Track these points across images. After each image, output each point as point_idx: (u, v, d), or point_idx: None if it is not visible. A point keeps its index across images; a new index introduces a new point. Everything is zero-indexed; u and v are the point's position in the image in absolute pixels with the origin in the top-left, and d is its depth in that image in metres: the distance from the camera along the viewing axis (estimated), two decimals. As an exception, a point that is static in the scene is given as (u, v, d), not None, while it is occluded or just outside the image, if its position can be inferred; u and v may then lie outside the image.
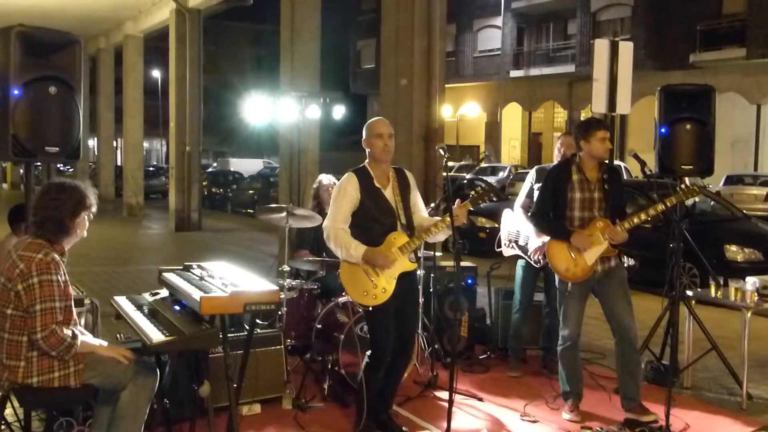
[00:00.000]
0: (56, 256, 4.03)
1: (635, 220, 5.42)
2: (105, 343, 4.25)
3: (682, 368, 6.42)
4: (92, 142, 38.83)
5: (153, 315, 4.34)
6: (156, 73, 43.74)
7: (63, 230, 4.07)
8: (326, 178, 7.32)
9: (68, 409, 4.97)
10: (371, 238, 5.03)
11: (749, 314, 6.13)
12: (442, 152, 5.02)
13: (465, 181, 17.49)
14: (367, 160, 5.23)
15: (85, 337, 4.14)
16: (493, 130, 37.71)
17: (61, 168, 35.96)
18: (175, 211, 20.16)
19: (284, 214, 6.43)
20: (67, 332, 3.94)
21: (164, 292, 4.72)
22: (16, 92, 4.82)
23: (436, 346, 6.75)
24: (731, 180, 23.41)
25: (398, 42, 10.32)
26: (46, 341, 3.87)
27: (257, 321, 4.80)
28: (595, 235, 5.47)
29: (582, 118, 32.56)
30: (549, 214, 5.66)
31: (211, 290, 4.15)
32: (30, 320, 3.89)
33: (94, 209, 4.22)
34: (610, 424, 5.55)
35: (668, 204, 5.36)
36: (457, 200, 5.04)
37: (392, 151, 5.20)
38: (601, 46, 9.00)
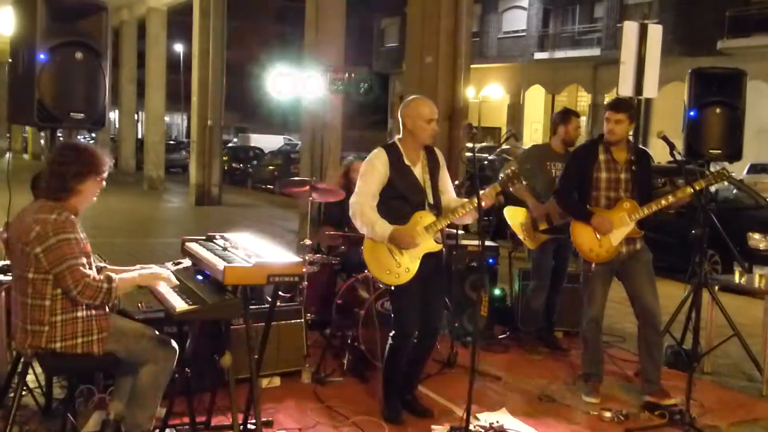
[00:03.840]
0: (70, 215, 3.98)
1: (663, 202, 5.36)
2: (144, 272, 4.24)
3: (702, 354, 6.37)
4: (113, 115, 38.94)
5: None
6: (178, 47, 43.73)
7: (65, 189, 3.99)
8: (357, 158, 7.23)
9: (89, 377, 5.00)
10: (397, 216, 4.96)
11: (773, 301, 6.09)
12: (471, 130, 4.95)
13: (486, 162, 17.37)
14: (398, 137, 5.15)
15: (122, 275, 4.13)
16: (515, 112, 37.47)
17: (81, 138, 36.18)
18: (195, 186, 20.19)
19: (307, 187, 6.41)
20: (100, 279, 3.94)
21: (187, 262, 4.70)
22: (42, 57, 4.80)
23: (456, 325, 6.75)
24: (755, 169, 23.19)
25: (424, 20, 10.25)
26: (83, 295, 3.87)
27: (279, 294, 4.77)
28: (621, 216, 5.42)
29: (605, 103, 32.45)
30: (572, 193, 5.61)
31: (235, 260, 4.12)
32: (61, 281, 3.88)
33: (104, 175, 4.13)
34: (630, 407, 5.53)
35: (696, 188, 5.30)
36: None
37: None
38: (630, 29, 8.88)
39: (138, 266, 4.35)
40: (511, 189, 5.22)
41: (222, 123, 20.55)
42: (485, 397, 5.70)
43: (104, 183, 4.19)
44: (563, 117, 6.80)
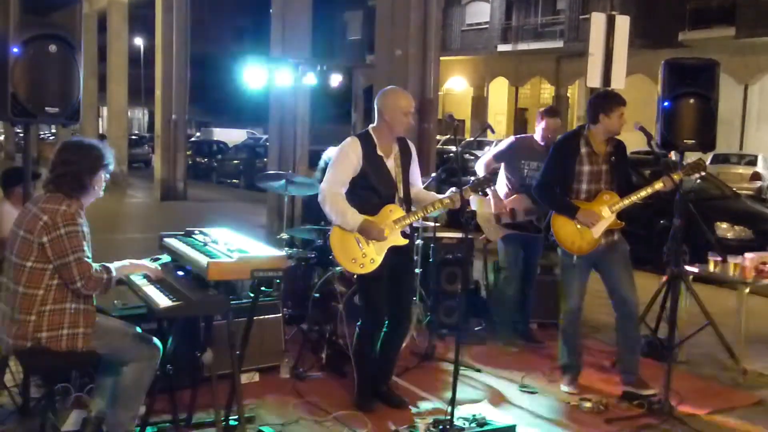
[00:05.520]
0: (78, 208, 3.99)
1: (642, 193, 5.41)
2: (129, 263, 4.25)
3: (678, 343, 6.42)
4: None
5: (156, 280, 4.26)
6: (138, 41, 43.13)
7: (81, 185, 4.01)
8: None
9: (66, 376, 4.91)
10: (367, 208, 5.00)
11: (747, 290, 6.16)
12: (453, 122, 4.96)
13: (452, 155, 17.44)
14: (372, 126, 5.16)
15: (115, 264, 4.13)
16: (479, 104, 37.59)
17: (42, 135, 35.59)
18: (160, 180, 20.00)
19: (283, 181, 6.36)
20: (100, 270, 3.96)
21: (165, 258, 4.64)
22: (15, 50, 4.68)
23: (433, 318, 6.75)
24: (718, 159, 23.52)
25: (394, 12, 10.18)
26: (86, 287, 3.89)
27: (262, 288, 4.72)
28: (602, 208, 5.45)
29: (568, 95, 32.60)
30: (554, 187, 5.61)
31: (217, 256, 4.07)
32: (65, 272, 3.86)
33: (111, 167, 4.17)
34: (609, 397, 5.56)
35: (675, 178, 5.35)
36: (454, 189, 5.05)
37: None
38: (598, 20, 8.94)
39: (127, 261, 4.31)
40: (480, 193, 5.22)
41: (186, 117, 20.35)
42: (465, 389, 5.69)
43: (108, 176, 4.20)
44: (540, 117, 6.76)
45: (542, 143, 6.65)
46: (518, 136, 6.98)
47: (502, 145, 6.88)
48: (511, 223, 6.67)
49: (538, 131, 6.74)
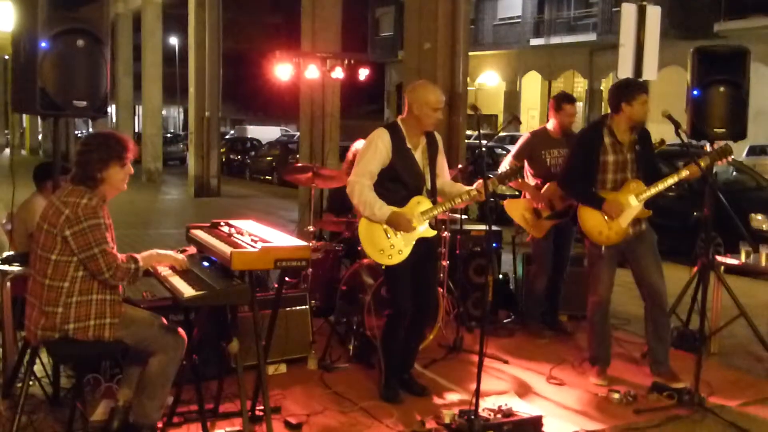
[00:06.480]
0: (100, 201, 4.02)
1: (669, 180, 5.35)
2: (155, 252, 4.29)
3: (709, 334, 6.34)
4: (110, 109, 38.53)
5: (182, 271, 4.30)
6: (173, 40, 43.51)
7: (91, 178, 4.03)
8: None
9: (96, 366, 4.99)
10: (395, 199, 5.02)
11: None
12: (475, 111, 4.93)
13: (483, 149, 17.44)
14: (400, 117, 5.17)
15: (141, 255, 4.17)
16: (512, 99, 37.38)
17: (79, 135, 36.04)
18: (194, 177, 20.21)
19: (310, 174, 6.38)
20: (127, 260, 4.01)
21: (192, 249, 4.69)
22: (43, 45, 4.76)
23: (461, 310, 6.74)
24: (754, 150, 23.15)
25: (422, 5, 10.17)
26: (115, 277, 3.94)
27: (286, 279, 4.76)
28: (629, 197, 5.40)
29: (602, 88, 32.27)
30: (579, 178, 5.57)
31: (241, 246, 4.11)
32: (92, 264, 3.91)
33: (127, 162, 4.15)
34: (638, 389, 5.51)
35: (702, 165, 5.29)
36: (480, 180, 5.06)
37: None
38: (628, 11, 8.85)
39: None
40: (508, 184, 5.21)
41: (219, 114, 20.51)
42: (492, 381, 5.68)
43: (131, 170, 4.21)
44: (556, 104, 6.77)
45: (559, 130, 6.68)
46: (531, 131, 6.99)
47: (519, 144, 6.89)
48: (553, 214, 6.62)
49: (551, 121, 6.76)
